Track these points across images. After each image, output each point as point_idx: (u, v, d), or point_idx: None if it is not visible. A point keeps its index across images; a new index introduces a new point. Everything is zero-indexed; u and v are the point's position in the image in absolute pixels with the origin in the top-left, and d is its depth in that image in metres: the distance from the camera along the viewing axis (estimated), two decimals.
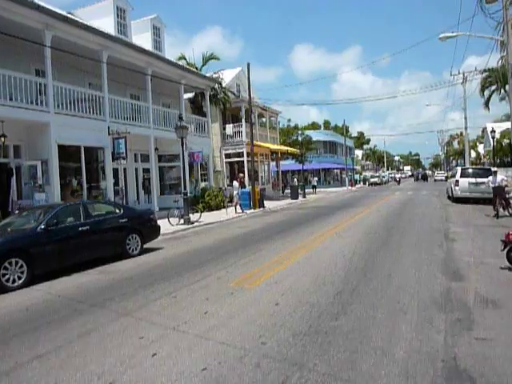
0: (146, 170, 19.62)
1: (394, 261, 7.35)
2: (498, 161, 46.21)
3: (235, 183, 19.98)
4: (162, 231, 11.28)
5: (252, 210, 20.83)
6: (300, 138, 37.12)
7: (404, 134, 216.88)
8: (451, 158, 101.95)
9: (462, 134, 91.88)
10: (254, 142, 28.18)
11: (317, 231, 11.84)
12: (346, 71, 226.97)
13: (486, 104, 25.14)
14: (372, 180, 56.54)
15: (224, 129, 28.14)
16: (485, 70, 24.55)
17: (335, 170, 57.10)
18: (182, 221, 15.48)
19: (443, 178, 65.32)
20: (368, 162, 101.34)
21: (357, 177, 70.00)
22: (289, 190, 31.01)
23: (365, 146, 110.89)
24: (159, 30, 20.96)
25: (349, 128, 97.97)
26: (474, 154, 70.88)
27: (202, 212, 17.89)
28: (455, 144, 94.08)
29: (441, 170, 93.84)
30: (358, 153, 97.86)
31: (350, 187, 48.77)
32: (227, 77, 29.00)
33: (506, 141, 41.87)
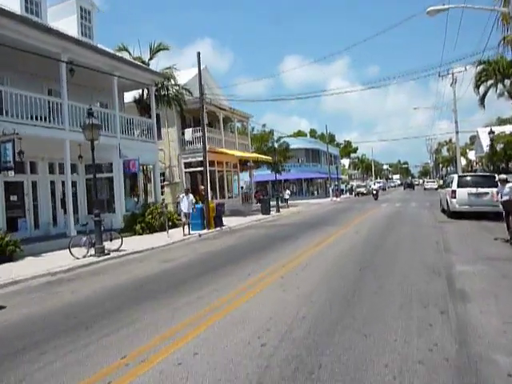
0: (73, 183, 15.73)
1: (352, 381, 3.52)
2: (492, 167, 43.27)
3: (183, 197, 16.10)
4: (45, 269, 7.54)
5: (206, 231, 16.95)
6: (276, 145, 33.47)
7: (392, 140, 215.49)
8: (440, 165, 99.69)
9: (451, 140, 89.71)
10: (219, 149, 24.48)
11: (260, 269, 8.03)
12: (335, 83, 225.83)
13: (482, 101, 21.84)
14: (358, 190, 53.10)
15: (183, 134, 24.37)
16: (480, 63, 21.23)
17: (319, 180, 53.54)
18: (92, 251, 11.54)
19: (433, 186, 62.42)
20: (355, 171, 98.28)
21: (343, 187, 66.80)
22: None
23: (352, 155, 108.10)
24: (89, 13, 17.21)
25: (335, 136, 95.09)
26: (464, 161, 68.26)
27: (140, 234, 13.97)
28: (444, 151, 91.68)
29: (430, 178, 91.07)
30: (345, 162, 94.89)
31: (334, 198, 45.17)
32: (188, 75, 25.33)
33: (500, 145, 38.98)
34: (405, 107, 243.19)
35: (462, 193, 15.26)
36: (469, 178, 15.91)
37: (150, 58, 20.32)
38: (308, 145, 49.32)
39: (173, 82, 21.20)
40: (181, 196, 16.44)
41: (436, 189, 62.25)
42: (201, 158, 23.71)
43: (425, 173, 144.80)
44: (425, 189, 61.43)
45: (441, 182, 71.48)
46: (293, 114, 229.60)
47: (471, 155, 57.70)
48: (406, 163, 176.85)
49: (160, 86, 20.16)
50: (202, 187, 23.14)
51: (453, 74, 39.30)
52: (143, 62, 19.97)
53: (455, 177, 16.23)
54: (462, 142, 72.84)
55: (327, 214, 22.97)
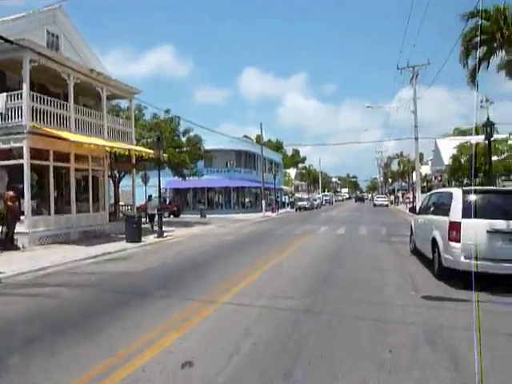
0: None
1: None
2: (454, 182, 37.03)
3: None
4: None
5: None
6: (183, 139, 24.16)
7: (336, 143, 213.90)
8: (390, 180, 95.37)
9: (402, 154, 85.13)
10: (58, 132, 14.73)
11: None
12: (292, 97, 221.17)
13: (472, 79, 14.06)
14: (300, 204, 45.00)
15: None
16: (472, 15, 13.36)
17: (254, 190, 44.76)
18: None
19: (384, 202, 55.94)
20: (302, 183, 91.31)
21: (285, 199, 58.78)
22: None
23: (300, 165, 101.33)
24: None
25: (283, 143, 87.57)
26: (415, 178, 62.78)
27: None
28: (394, 165, 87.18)
29: (380, 193, 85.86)
30: (292, 172, 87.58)
31: (269, 213, 36.59)
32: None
33: (465, 158, 32.51)
34: (357, 126, 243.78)
35: (476, 230, 6.78)
36: (487, 198, 7.40)
37: None
38: (240, 146, 40.31)
39: None
40: None
41: (386, 205, 56.08)
42: (16, 144, 13.91)
43: (373, 187, 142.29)
44: (374, 205, 54.73)
45: (392, 197, 65.95)
46: (249, 125, 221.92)
47: (426, 169, 51.77)
48: (354, 177, 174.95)
49: None
50: (11, 193, 13.32)
51: (414, 67, 32.55)
52: None
53: (456, 193, 7.65)
54: (414, 155, 67.45)
55: (232, 245, 14.01)
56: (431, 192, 11.03)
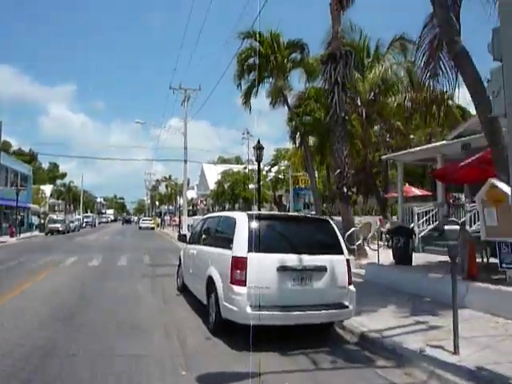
0: None
1: None
2: (217, 207, 38.57)
3: None
4: None
5: None
6: None
7: (110, 173, 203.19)
8: (157, 203, 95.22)
9: (170, 177, 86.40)
10: None
11: None
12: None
13: (245, 100, 13.58)
14: (51, 226, 37.75)
15: None
16: (245, 35, 12.90)
17: None
18: None
19: (149, 225, 54.11)
20: (59, 202, 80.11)
21: (35, 220, 49.08)
22: None
23: (59, 182, 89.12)
24: None
25: (37, 155, 74.70)
26: (181, 201, 64.03)
27: None
28: (162, 188, 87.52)
29: (147, 215, 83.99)
30: (47, 188, 75.52)
31: (7, 237, 28.65)
32: None
33: (227, 183, 34.10)
34: (127, 144, 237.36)
35: (264, 267, 5.11)
36: (275, 225, 5.83)
37: None
38: None
39: None
40: None
41: (152, 228, 54.39)
42: None
43: (140, 209, 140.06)
44: (140, 227, 52.16)
45: (158, 220, 64.90)
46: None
47: (192, 193, 53.06)
48: (122, 198, 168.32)
49: None
50: None
51: (185, 90, 32.43)
52: None
53: (240, 218, 5.79)
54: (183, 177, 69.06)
55: None
56: (206, 216, 9.17)
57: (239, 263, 5.19)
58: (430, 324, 5.75)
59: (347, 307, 5.44)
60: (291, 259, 5.29)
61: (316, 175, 18.58)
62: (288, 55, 16.32)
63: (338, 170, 10.88)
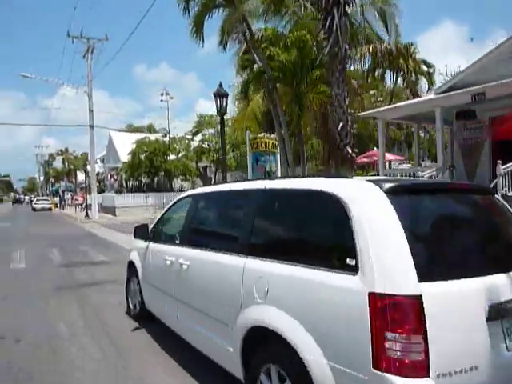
0: None
1: None
2: (132, 181, 33.15)
3: None
4: None
5: None
6: None
7: None
8: (52, 180, 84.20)
9: (67, 150, 76.15)
10: None
11: None
12: None
13: (196, 29, 9.60)
14: None
15: None
16: None
17: None
18: None
19: (46, 205, 46.20)
20: None
21: None
22: None
23: None
24: None
25: None
26: (81, 176, 55.95)
27: None
28: (58, 163, 77.15)
29: (41, 194, 73.10)
30: None
31: None
32: None
33: (144, 154, 28.85)
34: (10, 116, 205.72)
35: (465, 319, 1.85)
36: (450, 202, 2.43)
37: None
38: None
39: None
40: None
41: (50, 209, 46.02)
42: None
43: (31, 189, 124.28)
44: (34, 209, 44.15)
45: (57, 200, 55.97)
46: None
47: (96, 167, 46.03)
48: (7, 176, 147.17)
49: None
50: None
51: (88, 39, 26.41)
52: None
53: (362, 199, 1.90)
54: (89, 147, 60.20)
55: None
56: (212, 189, 3.87)
57: (403, 314, 1.82)
58: None
59: None
60: (502, 287, 2.10)
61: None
62: None
63: (341, 124, 7.91)
